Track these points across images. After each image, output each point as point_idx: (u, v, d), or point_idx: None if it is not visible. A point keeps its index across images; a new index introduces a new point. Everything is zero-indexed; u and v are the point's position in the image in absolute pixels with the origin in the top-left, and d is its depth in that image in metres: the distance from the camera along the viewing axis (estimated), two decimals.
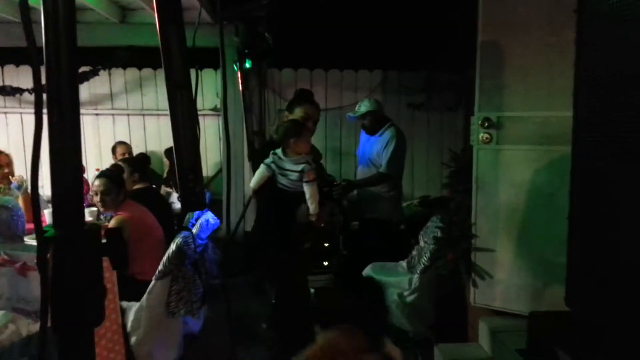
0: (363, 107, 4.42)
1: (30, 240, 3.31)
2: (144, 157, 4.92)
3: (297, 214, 2.63)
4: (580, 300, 1.62)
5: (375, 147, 4.37)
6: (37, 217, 0.69)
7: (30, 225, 3.51)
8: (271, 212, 3.09)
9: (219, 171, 5.74)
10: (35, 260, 1.58)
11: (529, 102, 3.28)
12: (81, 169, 0.74)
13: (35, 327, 1.24)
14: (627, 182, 1.39)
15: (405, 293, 3.46)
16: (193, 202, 1.59)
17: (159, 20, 1.92)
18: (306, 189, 2.81)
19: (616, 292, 1.47)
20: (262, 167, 3.40)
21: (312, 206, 2.68)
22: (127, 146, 5.41)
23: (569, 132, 2.30)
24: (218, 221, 3.90)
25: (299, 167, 2.89)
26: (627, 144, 1.40)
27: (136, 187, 4.21)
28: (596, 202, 1.54)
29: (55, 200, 0.71)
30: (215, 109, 5.72)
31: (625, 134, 1.42)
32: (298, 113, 3.95)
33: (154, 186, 4.45)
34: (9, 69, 5.76)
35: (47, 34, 0.72)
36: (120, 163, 4.25)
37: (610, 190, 1.47)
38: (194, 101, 1.92)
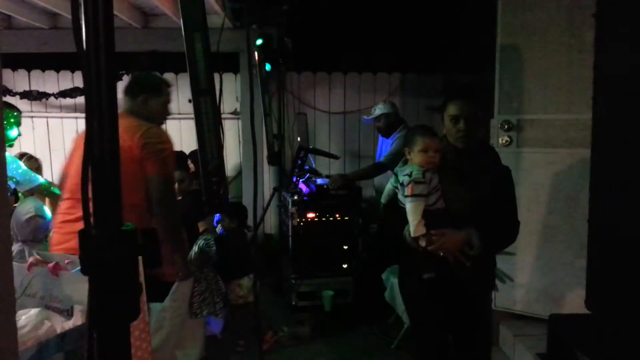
0: (378, 109, 4.46)
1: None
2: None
3: (404, 236, 2.25)
4: (601, 303, 1.62)
5: (387, 150, 4.40)
6: (87, 219, 0.73)
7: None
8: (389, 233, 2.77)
9: (238, 174, 5.80)
10: (66, 261, 1.64)
11: (550, 105, 3.28)
12: (119, 175, 0.78)
13: (68, 324, 1.29)
14: None
15: None
16: (217, 204, 1.63)
17: (184, 28, 1.98)
18: (407, 205, 2.23)
19: (636, 295, 1.47)
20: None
21: (412, 227, 2.15)
22: None
23: (590, 134, 2.29)
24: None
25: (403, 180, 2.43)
26: None
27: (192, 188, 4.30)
28: (616, 205, 1.54)
29: (96, 202, 0.75)
30: (235, 112, 5.79)
31: None
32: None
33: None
34: (36, 74, 5.91)
35: (88, 40, 0.75)
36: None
37: (631, 192, 1.48)
38: (218, 106, 1.98)
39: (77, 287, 1.43)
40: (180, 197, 4.25)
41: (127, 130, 2.26)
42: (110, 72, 0.77)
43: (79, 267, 1.51)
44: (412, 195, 2.15)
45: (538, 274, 3.38)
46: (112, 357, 0.74)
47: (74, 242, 2.04)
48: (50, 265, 1.50)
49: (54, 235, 2.66)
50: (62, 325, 1.26)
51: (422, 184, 2.16)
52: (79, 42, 0.74)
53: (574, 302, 2.65)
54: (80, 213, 0.88)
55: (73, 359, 1.13)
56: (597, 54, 1.62)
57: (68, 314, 1.39)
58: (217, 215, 4.28)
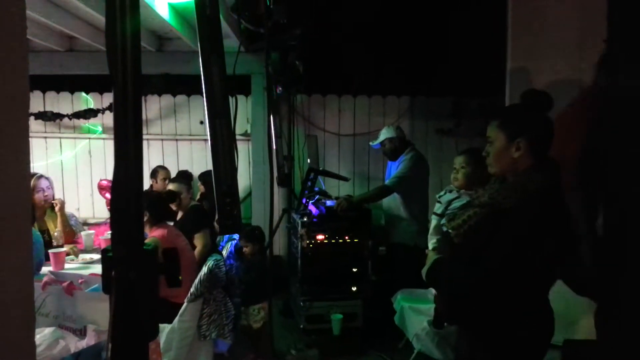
0: (382, 135, 4.51)
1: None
2: (162, 195, 4.81)
3: None
4: (612, 330, 1.60)
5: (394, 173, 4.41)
6: (113, 238, 0.75)
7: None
8: None
9: (248, 195, 5.82)
10: (80, 281, 1.65)
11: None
12: (142, 195, 0.80)
13: (82, 343, 1.30)
14: None
15: None
16: (230, 225, 1.64)
17: (201, 50, 2.02)
18: None
19: None
20: None
21: None
22: (167, 171, 5.54)
23: None
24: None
25: None
26: None
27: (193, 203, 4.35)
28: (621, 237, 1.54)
29: (119, 222, 0.76)
30: (245, 133, 5.84)
31: None
32: None
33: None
34: (50, 95, 6.01)
35: (115, 63, 0.78)
36: (172, 186, 4.34)
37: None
38: (233, 129, 2.00)
39: (90, 307, 1.44)
40: (181, 213, 4.28)
41: None
42: (138, 93, 0.80)
43: (93, 287, 1.52)
44: None
45: (552, 300, 3.33)
46: None
47: None
48: (65, 284, 1.51)
49: None
50: (75, 344, 1.26)
51: None
52: (113, 65, 0.77)
53: (589, 329, 2.61)
54: None
55: None
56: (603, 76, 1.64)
57: (81, 333, 1.40)
58: (226, 236, 4.31)
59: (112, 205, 0.78)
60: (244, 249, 4.04)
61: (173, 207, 4.23)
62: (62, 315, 1.47)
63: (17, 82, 0.91)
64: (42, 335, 1.25)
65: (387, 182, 4.36)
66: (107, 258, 0.75)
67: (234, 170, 1.76)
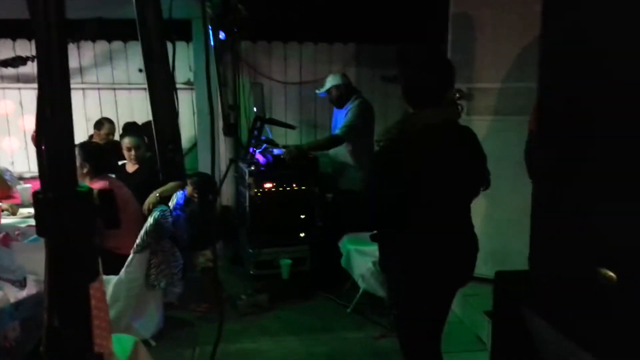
0: (328, 82, 4.49)
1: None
2: (103, 146, 4.53)
3: None
4: (544, 260, 1.72)
5: (342, 120, 4.43)
6: (42, 181, 0.72)
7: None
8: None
9: (194, 145, 5.71)
10: (16, 232, 1.60)
11: (500, 74, 3.38)
12: (73, 137, 0.77)
13: (22, 294, 1.27)
14: (585, 144, 1.48)
15: None
16: (173, 172, 1.62)
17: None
18: None
19: (575, 249, 1.57)
20: None
21: None
22: (112, 125, 5.27)
23: None
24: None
25: None
26: (590, 114, 1.49)
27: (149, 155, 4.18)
28: (559, 166, 1.63)
29: (51, 165, 0.74)
30: (188, 82, 5.66)
31: (588, 104, 1.50)
32: None
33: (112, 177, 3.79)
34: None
35: (37, 7, 0.73)
36: (128, 140, 4.18)
37: (571, 152, 1.56)
38: (172, 74, 1.94)
39: (29, 257, 1.40)
40: (137, 166, 4.18)
41: None
42: (63, 39, 0.75)
43: (31, 237, 1.48)
44: None
45: (486, 237, 3.51)
46: (73, 319, 0.74)
47: None
48: (0, 235, 1.46)
49: None
50: (15, 295, 1.24)
51: None
52: (34, 7, 0.72)
53: (521, 262, 2.79)
54: None
55: (30, 325, 1.12)
56: (543, 24, 1.68)
57: (21, 285, 1.37)
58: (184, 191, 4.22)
59: (41, 149, 0.75)
60: (193, 194, 3.99)
61: (130, 159, 4.12)
62: (0, 268, 1.43)
63: None
64: None
65: (337, 131, 4.36)
66: (40, 200, 0.73)
67: (175, 116, 1.72)
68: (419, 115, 2.15)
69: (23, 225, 2.97)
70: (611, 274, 1.44)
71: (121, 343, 1.40)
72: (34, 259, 1.39)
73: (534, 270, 1.76)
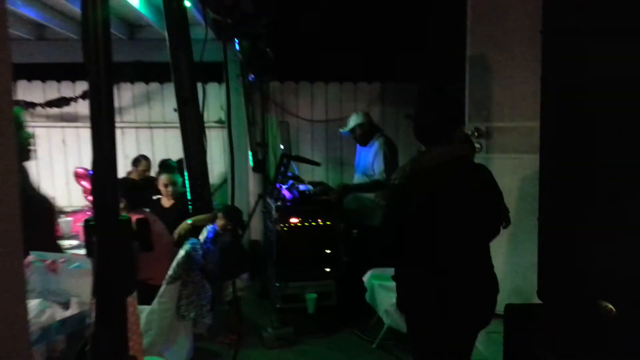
0: (352, 121, 4.67)
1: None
2: (139, 182, 4.66)
3: None
4: (551, 292, 1.79)
5: (367, 157, 4.59)
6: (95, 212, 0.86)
7: None
8: None
9: (224, 181, 5.93)
10: (60, 260, 1.77)
11: (516, 112, 3.48)
12: (116, 172, 0.93)
13: (66, 313, 1.42)
14: (586, 181, 1.57)
15: None
16: (201, 205, 1.77)
17: (169, 39, 2.13)
18: None
19: (581, 283, 1.64)
20: None
21: None
22: (149, 162, 5.54)
23: None
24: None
25: None
26: (590, 149, 1.59)
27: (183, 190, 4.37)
28: (562, 202, 1.72)
29: (99, 197, 0.89)
30: (219, 121, 5.92)
31: (589, 140, 1.60)
32: None
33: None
34: (22, 84, 6.00)
35: (89, 52, 0.88)
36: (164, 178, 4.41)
37: (574, 190, 1.65)
38: (201, 115, 2.12)
39: (73, 282, 1.56)
40: (173, 201, 4.38)
41: None
42: (110, 81, 0.91)
43: (74, 264, 1.64)
44: None
45: (508, 275, 3.54)
46: (113, 325, 0.88)
47: None
48: (48, 262, 1.63)
49: None
50: (61, 315, 1.39)
51: None
52: (87, 54, 0.87)
53: None
54: None
55: (73, 339, 1.26)
56: (543, 66, 1.80)
57: (66, 306, 1.52)
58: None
59: (93, 183, 0.90)
60: (224, 225, 4.15)
61: (167, 195, 4.33)
62: (47, 291, 1.58)
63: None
64: (30, 306, 1.36)
65: (377, 176, 4.48)
66: (89, 226, 0.88)
67: (203, 153, 1.88)
68: (430, 153, 2.21)
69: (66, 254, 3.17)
70: (610, 306, 1.51)
71: None
72: (77, 283, 1.55)
73: (543, 304, 1.81)
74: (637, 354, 1.46)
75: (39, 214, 2.13)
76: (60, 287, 1.56)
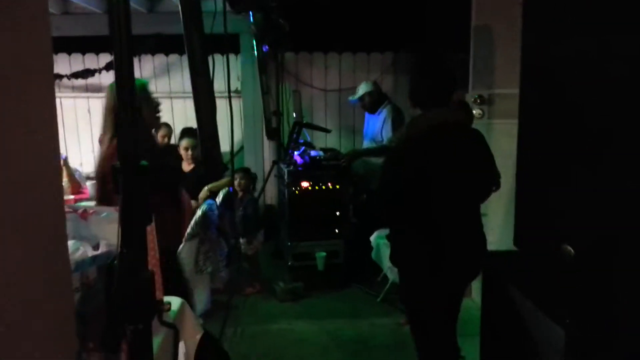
0: (360, 90, 4.84)
1: None
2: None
3: None
4: (525, 240, 1.99)
5: (375, 125, 4.78)
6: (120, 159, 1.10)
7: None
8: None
9: (241, 149, 6.18)
10: (90, 211, 2.03)
11: (517, 80, 3.60)
12: (136, 131, 1.16)
13: (97, 252, 1.69)
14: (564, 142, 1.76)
15: None
16: (212, 164, 1.99)
17: (183, 23, 2.32)
18: None
19: (550, 231, 1.85)
20: None
21: None
22: (169, 129, 5.82)
23: None
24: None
25: None
26: (562, 111, 1.77)
27: None
28: (537, 160, 1.91)
29: (123, 148, 1.13)
30: (235, 91, 6.14)
31: (561, 105, 1.79)
32: None
33: None
34: None
35: (114, 26, 1.08)
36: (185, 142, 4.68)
37: (547, 149, 1.84)
38: (212, 85, 2.33)
39: (102, 228, 1.83)
40: (193, 165, 4.66)
41: None
42: (131, 53, 1.13)
43: (102, 214, 1.91)
44: None
45: (507, 233, 3.73)
46: (135, 246, 1.12)
47: None
48: (80, 211, 1.89)
49: None
50: (92, 253, 1.65)
51: None
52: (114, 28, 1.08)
53: None
54: None
55: (103, 270, 1.53)
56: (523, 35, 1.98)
57: (96, 248, 1.79)
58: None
59: (118, 138, 1.14)
60: (240, 185, 4.46)
61: (187, 159, 4.62)
62: (79, 236, 1.85)
63: (41, 46, 1.21)
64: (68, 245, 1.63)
65: (386, 142, 4.69)
66: (115, 170, 1.12)
67: (214, 119, 2.08)
68: (423, 117, 2.38)
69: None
70: (569, 248, 1.72)
71: (171, 301, 1.78)
72: (105, 229, 1.81)
73: (520, 251, 2.01)
74: (594, 292, 1.67)
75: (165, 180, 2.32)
76: (91, 233, 1.83)
